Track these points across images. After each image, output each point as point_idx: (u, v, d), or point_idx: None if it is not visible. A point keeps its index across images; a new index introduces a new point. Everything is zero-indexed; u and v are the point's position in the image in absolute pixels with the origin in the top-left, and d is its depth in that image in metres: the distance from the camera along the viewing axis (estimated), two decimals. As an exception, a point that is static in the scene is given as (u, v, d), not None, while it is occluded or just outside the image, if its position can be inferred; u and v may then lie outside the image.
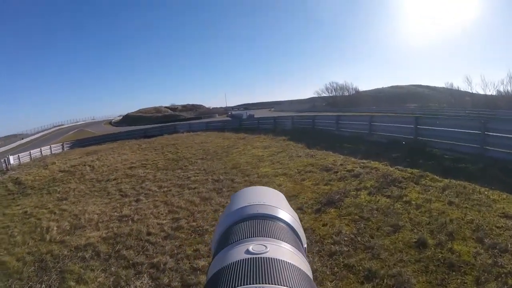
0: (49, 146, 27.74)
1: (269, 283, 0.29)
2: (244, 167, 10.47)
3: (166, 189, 9.46)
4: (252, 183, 8.43)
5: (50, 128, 65.17)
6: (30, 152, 24.78)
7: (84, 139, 32.23)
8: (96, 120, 79.48)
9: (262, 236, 0.38)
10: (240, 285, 0.29)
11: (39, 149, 26.13)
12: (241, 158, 12.11)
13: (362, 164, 8.46)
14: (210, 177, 9.84)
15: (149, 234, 6.15)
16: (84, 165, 15.81)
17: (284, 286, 0.29)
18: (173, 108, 76.45)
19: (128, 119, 67.59)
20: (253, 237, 0.38)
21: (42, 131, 61.93)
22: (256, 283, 0.29)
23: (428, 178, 6.71)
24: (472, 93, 42.64)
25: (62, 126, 69.02)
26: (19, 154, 23.34)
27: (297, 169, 9.18)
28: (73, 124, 72.73)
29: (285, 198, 0.53)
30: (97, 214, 8.05)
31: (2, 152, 34.40)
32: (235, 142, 16.59)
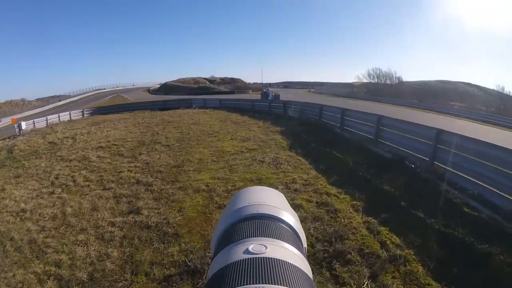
0: (68, 112, 27.37)
1: (269, 283, 0.28)
2: (190, 166, 8.40)
3: (90, 183, 8.07)
4: (167, 195, 6.61)
5: (90, 92, 65.71)
6: (46, 118, 24.58)
7: (106, 106, 31.87)
8: (135, 87, 79.61)
9: (262, 236, 0.38)
10: (240, 285, 0.29)
11: (57, 115, 25.98)
12: (204, 151, 9.94)
13: (323, 199, 5.52)
14: (142, 176, 7.93)
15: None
16: (73, 138, 15.03)
17: (284, 286, 0.28)
18: (211, 80, 75.28)
19: (165, 88, 67.63)
20: (253, 237, 0.38)
21: (82, 93, 62.57)
22: (256, 283, 0.28)
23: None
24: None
25: (102, 91, 69.04)
26: (34, 120, 23.42)
27: (239, 183, 6.62)
28: (113, 89, 72.73)
29: (285, 198, 0.52)
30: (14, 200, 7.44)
31: (36, 113, 36.22)
32: (226, 127, 14.24)
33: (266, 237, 0.38)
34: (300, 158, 8.14)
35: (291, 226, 0.44)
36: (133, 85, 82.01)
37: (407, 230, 4.24)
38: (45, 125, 23.27)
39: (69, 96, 58.17)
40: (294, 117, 14.80)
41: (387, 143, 7.95)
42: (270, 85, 71.69)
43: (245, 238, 0.38)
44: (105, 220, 5.63)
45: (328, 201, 5.35)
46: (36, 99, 60.08)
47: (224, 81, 74.93)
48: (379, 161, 7.33)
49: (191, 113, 21.21)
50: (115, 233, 5.10)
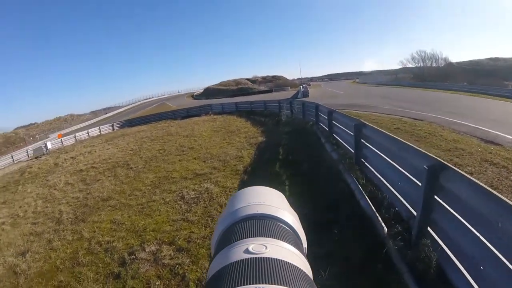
0: (98, 127, 27.60)
1: (269, 283, 0.28)
2: (114, 200, 7.30)
3: (35, 215, 7.80)
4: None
5: (136, 102, 66.61)
6: (75, 135, 25.23)
7: (133, 119, 30.86)
8: (180, 93, 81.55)
9: (262, 236, 0.38)
10: (241, 285, 0.29)
11: (86, 131, 26.34)
12: (150, 177, 8.60)
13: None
14: (66, 211, 7.35)
15: None
16: (74, 158, 15.04)
17: (284, 286, 0.28)
18: (253, 80, 74.25)
19: (208, 92, 68.24)
20: (253, 237, 0.38)
21: (129, 104, 63.94)
22: (256, 283, 0.28)
23: None
24: None
25: (149, 99, 70.34)
26: (62, 138, 24.22)
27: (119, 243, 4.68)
28: (159, 97, 74.21)
29: (285, 198, 0.52)
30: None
31: (82, 127, 38.08)
32: (210, 140, 12.30)
33: (266, 237, 0.37)
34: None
35: (291, 226, 0.43)
36: (178, 92, 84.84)
37: None
38: (74, 142, 23.99)
39: (117, 107, 60.56)
40: (296, 120, 12.24)
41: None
42: (311, 79, 67.77)
43: (245, 238, 0.37)
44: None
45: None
46: (90, 112, 64.31)
47: (266, 79, 73.28)
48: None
49: (201, 121, 19.81)
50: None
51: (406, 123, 10.34)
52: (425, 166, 2.78)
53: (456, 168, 2.64)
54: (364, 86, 40.86)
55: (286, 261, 0.32)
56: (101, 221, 6.26)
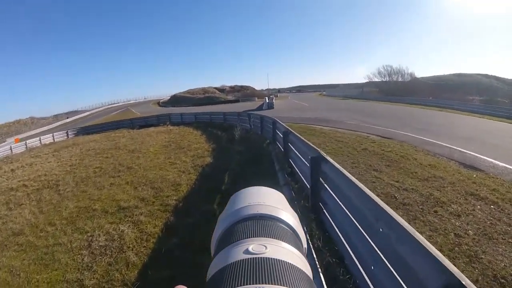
0: (51, 134, 25.24)
1: (269, 283, 0.28)
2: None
3: None
4: None
5: (102, 107, 64.39)
6: (26, 142, 22.79)
7: (90, 126, 28.51)
8: (147, 100, 78.64)
9: (262, 236, 0.38)
10: (241, 285, 0.28)
11: (38, 138, 23.77)
12: (70, 206, 7.06)
13: None
14: None
15: None
16: (13, 171, 12.92)
17: (284, 286, 0.28)
18: (221, 89, 72.68)
19: (174, 99, 65.59)
20: (253, 237, 0.37)
21: (95, 109, 61.24)
22: (256, 283, 0.28)
23: None
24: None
25: (115, 105, 67.83)
26: (12, 145, 21.63)
27: None
28: (125, 103, 71.46)
29: (285, 198, 0.51)
30: None
31: (42, 132, 34.74)
32: (156, 158, 10.51)
33: (266, 237, 0.37)
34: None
35: (291, 226, 0.43)
36: (145, 98, 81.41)
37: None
38: (24, 149, 21.40)
39: (81, 111, 57.38)
40: (252, 137, 10.67)
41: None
42: (279, 90, 67.51)
43: (245, 238, 0.37)
44: None
45: None
46: (53, 116, 59.67)
47: (234, 89, 72.09)
48: None
49: (155, 132, 17.73)
50: None
51: (374, 142, 9.18)
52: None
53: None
54: (331, 99, 40.85)
55: (286, 261, 0.32)
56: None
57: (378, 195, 5.16)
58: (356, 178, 6.20)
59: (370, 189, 5.57)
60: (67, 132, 26.09)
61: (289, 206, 0.48)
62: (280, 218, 0.42)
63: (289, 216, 0.44)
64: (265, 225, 0.40)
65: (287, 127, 6.41)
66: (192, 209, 5.56)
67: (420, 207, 4.80)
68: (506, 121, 16.74)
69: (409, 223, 4.30)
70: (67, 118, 49.24)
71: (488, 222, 4.32)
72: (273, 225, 0.41)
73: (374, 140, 9.53)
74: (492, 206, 4.80)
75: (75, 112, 58.16)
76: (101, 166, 10.30)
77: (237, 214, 0.43)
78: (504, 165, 6.93)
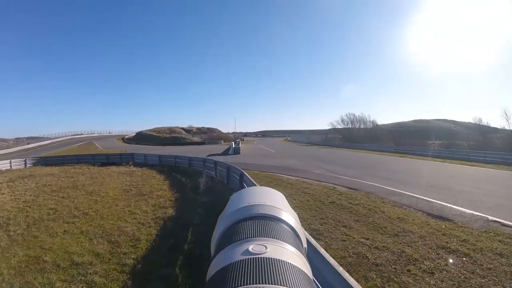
0: (9, 161, 23.05)
1: (269, 283, 0.28)
2: None
3: None
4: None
5: (66, 136, 62.67)
6: None
7: (51, 157, 26.81)
8: (112, 134, 76.14)
9: (262, 236, 0.37)
10: (241, 285, 0.28)
11: None
12: None
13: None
14: None
15: None
16: None
17: (284, 286, 0.28)
18: (188, 130, 72.40)
19: (140, 137, 64.25)
20: (253, 237, 0.37)
21: (58, 137, 59.31)
22: (257, 283, 0.28)
23: None
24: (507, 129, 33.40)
25: (79, 136, 66.07)
26: None
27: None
28: (89, 135, 69.74)
29: (285, 199, 0.50)
30: None
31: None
32: (108, 205, 9.50)
33: (266, 237, 0.37)
34: None
35: (291, 226, 0.42)
36: (109, 132, 78.75)
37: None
38: None
39: (44, 138, 55.15)
40: (218, 186, 10.25)
41: None
42: (245, 134, 68.80)
43: (245, 238, 0.37)
44: None
45: None
46: (14, 139, 57.07)
47: (201, 130, 72.51)
48: None
49: (117, 173, 16.62)
50: None
51: (341, 194, 9.22)
52: None
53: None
54: (296, 145, 42.12)
55: (286, 261, 0.31)
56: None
57: (349, 256, 4.99)
58: (326, 236, 5.96)
59: (341, 249, 5.35)
60: (25, 161, 24.12)
61: (289, 206, 0.47)
62: (280, 218, 0.41)
63: (289, 216, 0.43)
64: (265, 225, 0.39)
65: (254, 182, 6.20)
66: (151, 272, 4.85)
67: (393, 266, 4.62)
68: (466, 164, 18.01)
69: (383, 286, 4.07)
70: (28, 144, 46.20)
71: (462, 277, 4.26)
72: (273, 225, 0.40)
73: (341, 191, 9.58)
74: (464, 259, 4.80)
75: (37, 139, 56.09)
76: (56, 208, 9.17)
77: (238, 214, 0.42)
78: (471, 212, 7.15)
